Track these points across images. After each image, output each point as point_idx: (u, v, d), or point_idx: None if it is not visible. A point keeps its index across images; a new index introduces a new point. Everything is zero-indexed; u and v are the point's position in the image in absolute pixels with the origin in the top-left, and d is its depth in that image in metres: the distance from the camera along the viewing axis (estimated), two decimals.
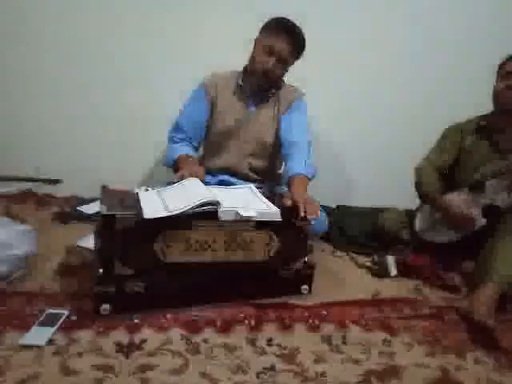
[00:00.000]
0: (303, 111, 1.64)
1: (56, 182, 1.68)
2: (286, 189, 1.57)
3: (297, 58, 1.57)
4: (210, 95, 1.62)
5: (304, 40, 1.54)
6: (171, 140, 1.66)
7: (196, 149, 1.69)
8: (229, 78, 1.65)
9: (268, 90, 1.62)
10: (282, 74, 1.59)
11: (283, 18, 1.52)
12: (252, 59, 1.55)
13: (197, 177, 1.35)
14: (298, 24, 1.52)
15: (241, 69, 1.64)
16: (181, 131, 1.64)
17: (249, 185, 1.51)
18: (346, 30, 2.12)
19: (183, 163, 1.51)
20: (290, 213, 1.24)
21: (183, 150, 1.60)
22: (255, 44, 1.54)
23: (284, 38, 1.48)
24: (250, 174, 1.69)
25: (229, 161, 1.67)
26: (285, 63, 1.53)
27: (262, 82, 1.56)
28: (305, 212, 1.21)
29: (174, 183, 1.33)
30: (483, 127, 1.66)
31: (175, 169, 1.57)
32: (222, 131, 1.65)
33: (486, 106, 1.65)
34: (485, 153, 1.64)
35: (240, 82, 1.61)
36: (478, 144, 1.66)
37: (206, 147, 1.77)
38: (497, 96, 1.59)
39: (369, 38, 2.14)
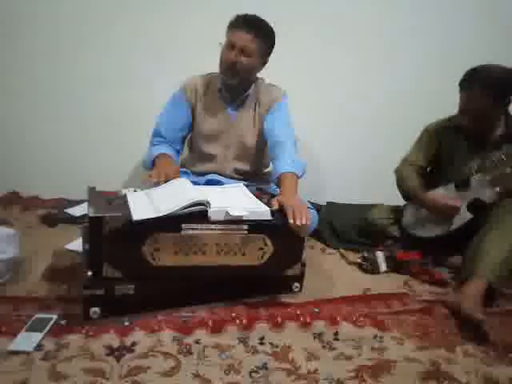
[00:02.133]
0: (285, 109, 1.61)
1: None
2: (275, 187, 1.57)
3: (267, 45, 1.52)
4: (189, 100, 1.61)
5: (266, 26, 1.51)
6: (151, 144, 1.64)
7: (178, 151, 1.66)
8: (208, 81, 1.62)
9: (244, 89, 1.59)
10: (251, 66, 1.52)
11: (243, 14, 1.50)
12: (219, 60, 1.53)
13: (168, 176, 1.33)
14: (262, 17, 1.50)
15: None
16: (161, 137, 1.62)
17: (238, 184, 1.50)
18: (345, 28, 2.13)
19: (157, 163, 1.50)
20: (283, 217, 1.22)
21: (160, 149, 1.58)
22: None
23: (242, 30, 1.46)
24: (236, 177, 1.69)
25: (213, 166, 1.66)
26: (249, 53, 1.47)
27: (230, 78, 1.52)
28: (293, 220, 1.20)
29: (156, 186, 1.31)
30: (461, 126, 1.65)
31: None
32: (204, 137, 1.64)
33: None
34: (466, 150, 1.65)
35: (219, 86, 1.59)
36: (458, 142, 1.67)
37: (190, 151, 1.76)
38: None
39: (362, 37, 2.15)
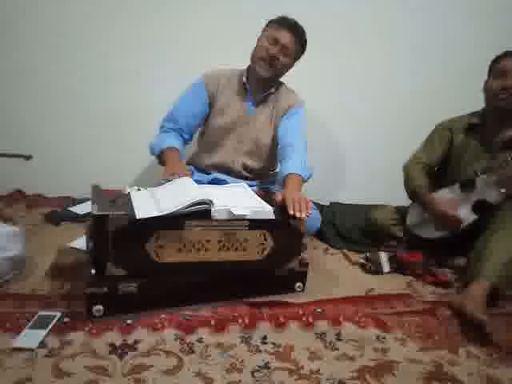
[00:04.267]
0: (301, 117, 1.64)
1: (28, 157, 1.64)
2: (279, 187, 1.57)
3: (300, 52, 1.60)
4: (210, 90, 1.62)
5: (305, 35, 1.58)
6: (161, 128, 1.65)
7: (185, 141, 1.67)
8: (230, 75, 1.66)
9: (268, 87, 1.63)
10: (286, 66, 1.59)
11: (287, 16, 1.57)
12: (256, 48, 1.57)
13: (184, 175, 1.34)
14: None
15: (243, 68, 1.65)
16: (173, 121, 1.62)
17: (242, 183, 1.51)
18: (345, 28, 2.13)
19: (169, 162, 1.49)
20: (284, 212, 1.24)
21: (171, 142, 1.58)
22: (260, 37, 1.58)
23: (287, 31, 1.53)
24: (244, 173, 1.69)
25: (223, 158, 1.67)
26: (288, 53, 1.55)
27: (266, 70, 1.55)
28: (294, 210, 1.21)
29: (163, 183, 1.32)
30: (474, 125, 1.66)
31: (160, 159, 1.58)
32: (219, 128, 1.65)
33: (478, 104, 1.66)
34: (475, 151, 1.65)
35: (244, 80, 1.62)
36: (468, 142, 1.67)
37: (201, 143, 1.76)
38: (490, 95, 1.58)
39: (361, 37, 2.14)
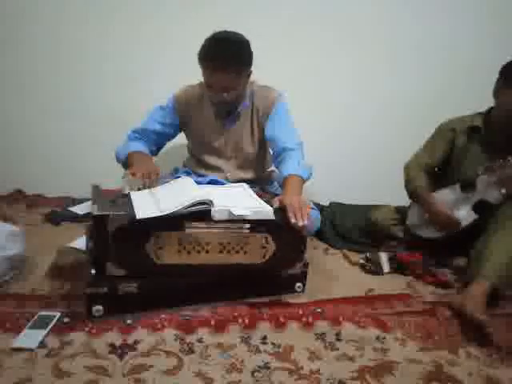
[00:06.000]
0: (284, 112, 1.56)
1: None
2: (278, 186, 1.57)
3: (246, 66, 1.43)
4: (180, 113, 1.57)
5: (239, 49, 1.39)
6: (128, 138, 1.60)
7: (152, 152, 1.61)
8: (201, 93, 1.56)
9: (238, 105, 1.54)
10: (239, 94, 1.48)
11: (209, 43, 1.39)
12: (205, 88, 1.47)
13: (155, 174, 1.33)
14: (230, 33, 1.39)
15: None
16: (141, 136, 1.59)
17: (241, 184, 1.50)
18: (347, 29, 2.12)
19: (136, 160, 1.44)
20: (285, 216, 1.22)
21: (136, 145, 1.54)
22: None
23: (218, 70, 1.36)
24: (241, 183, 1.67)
25: (219, 176, 1.62)
26: (234, 87, 1.42)
27: (222, 109, 1.52)
28: (294, 218, 1.19)
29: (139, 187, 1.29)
30: (476, 127, 1.65)
31: (126, 165, 1.52)
32: (203, 149, 1.63)
33: (479, 105, 1.66)
34: (477, 153, 1.64)
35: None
36: (470, 144, 1.66)
37: (192, 159, 1.72)
38: (506, 112, 1.50)
39: (363, 37, 2.14)
